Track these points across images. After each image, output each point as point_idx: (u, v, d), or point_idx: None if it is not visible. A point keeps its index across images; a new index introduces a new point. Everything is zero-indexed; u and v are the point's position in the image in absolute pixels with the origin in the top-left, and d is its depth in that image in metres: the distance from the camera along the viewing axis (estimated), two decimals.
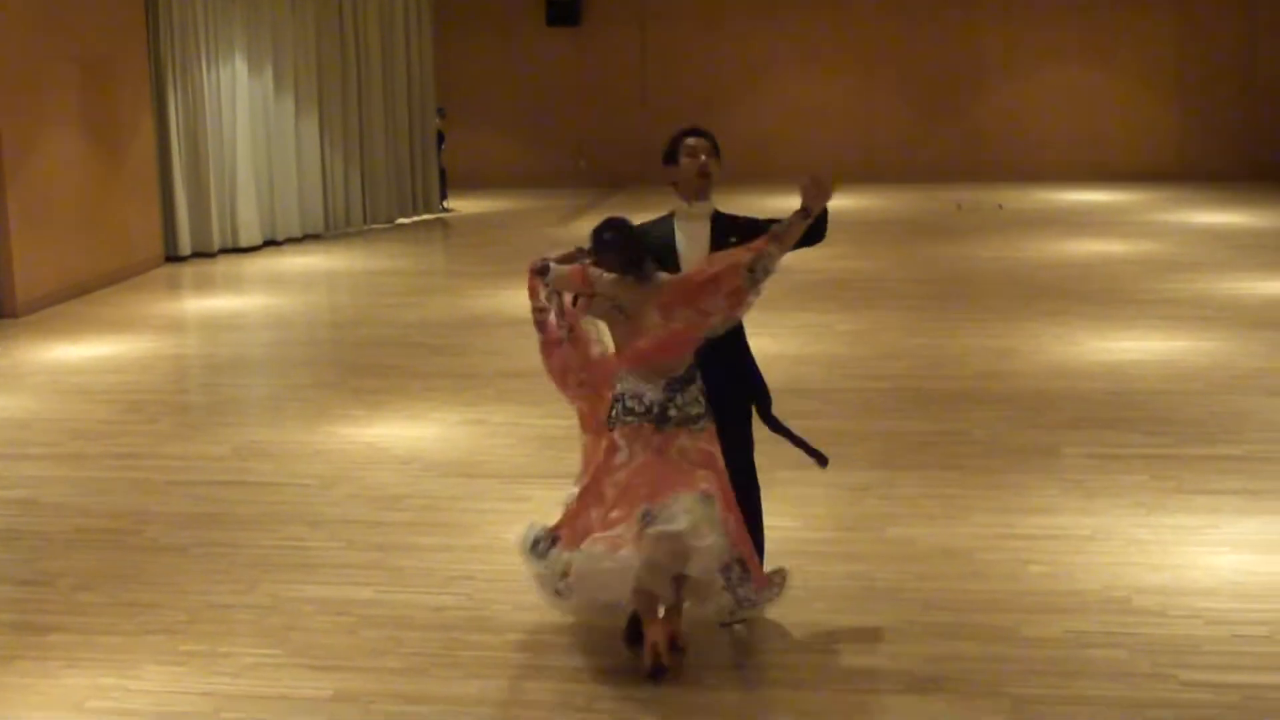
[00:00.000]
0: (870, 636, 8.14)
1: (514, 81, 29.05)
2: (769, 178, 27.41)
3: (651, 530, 7.42)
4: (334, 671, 8.02)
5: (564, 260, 8.06)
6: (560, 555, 7.78)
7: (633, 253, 7.80)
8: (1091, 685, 7.69)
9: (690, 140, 8.09)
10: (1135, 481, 10.80)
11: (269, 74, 22.45)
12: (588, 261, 7.93)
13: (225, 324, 18.09)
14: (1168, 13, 27.75)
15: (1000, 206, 24.88)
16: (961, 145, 28.43)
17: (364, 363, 15.35)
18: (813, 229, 7.95)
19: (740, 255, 7.68)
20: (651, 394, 7.70)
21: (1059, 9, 28.04)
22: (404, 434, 12.57)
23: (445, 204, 26.28)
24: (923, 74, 28.57)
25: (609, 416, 7.85)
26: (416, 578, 9.33)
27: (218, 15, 21.56)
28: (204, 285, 20.27)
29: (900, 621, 8.37)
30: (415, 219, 25.31)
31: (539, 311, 8.08)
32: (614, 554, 7.47)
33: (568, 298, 8.09)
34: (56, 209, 18.24)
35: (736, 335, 8.09)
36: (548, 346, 8.09)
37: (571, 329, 8.12)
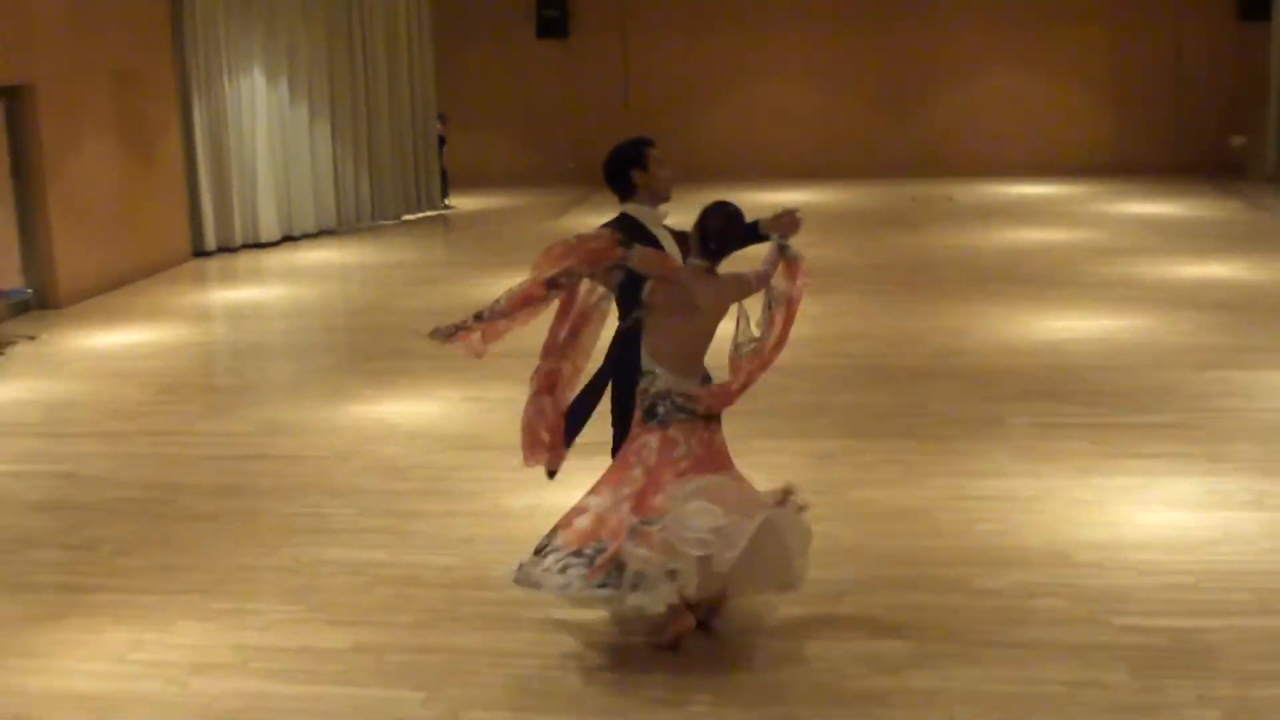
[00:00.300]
0: (836, 589, 8.18)
1: (508, 89, 29.04)
2: (741, 175, 27.47)
3: (789, 511, 7.46)
4: (351, 626, 8.07)
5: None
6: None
7: (739, 240, 7.74)
8: (1036, 631, 7.77)
9: (655, 151, 7.99)
10: (1075, 447, 10.87)
11: (285, 84, 22.43)
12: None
13: (248, 313, 18.11)
14: (1102, 22, 27.77)
15: (951, 199, 24.91)
16: (915, 143, 28.45)
17: (374, 347, 15.37)
18: (751, 238, 7.99)
19: (763, 269, 7.79)
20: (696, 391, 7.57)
21: (1002, 19, 28.06)
22: (411, 411, 12.60)
23: (446, 201, 26.26)
24: (879, 79, 28.58)
25: (654, 414, 7.49)
26: (424, 541, 9.39)
27: (238, 30, 21.54)
28: (228, 277, 20.28)
29: (863, 575, 8.43)
30: (419, 215, 25.30)
31: (572, 277, 7.48)
32: (744, 519, 7.18)
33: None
34: (93, 209, 18.22)
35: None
36: (527, 309, 7.54)
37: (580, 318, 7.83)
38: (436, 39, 26.07)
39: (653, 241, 7.74)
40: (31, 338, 15.76)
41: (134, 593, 8.65)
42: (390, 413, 12.54)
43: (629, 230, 7.71)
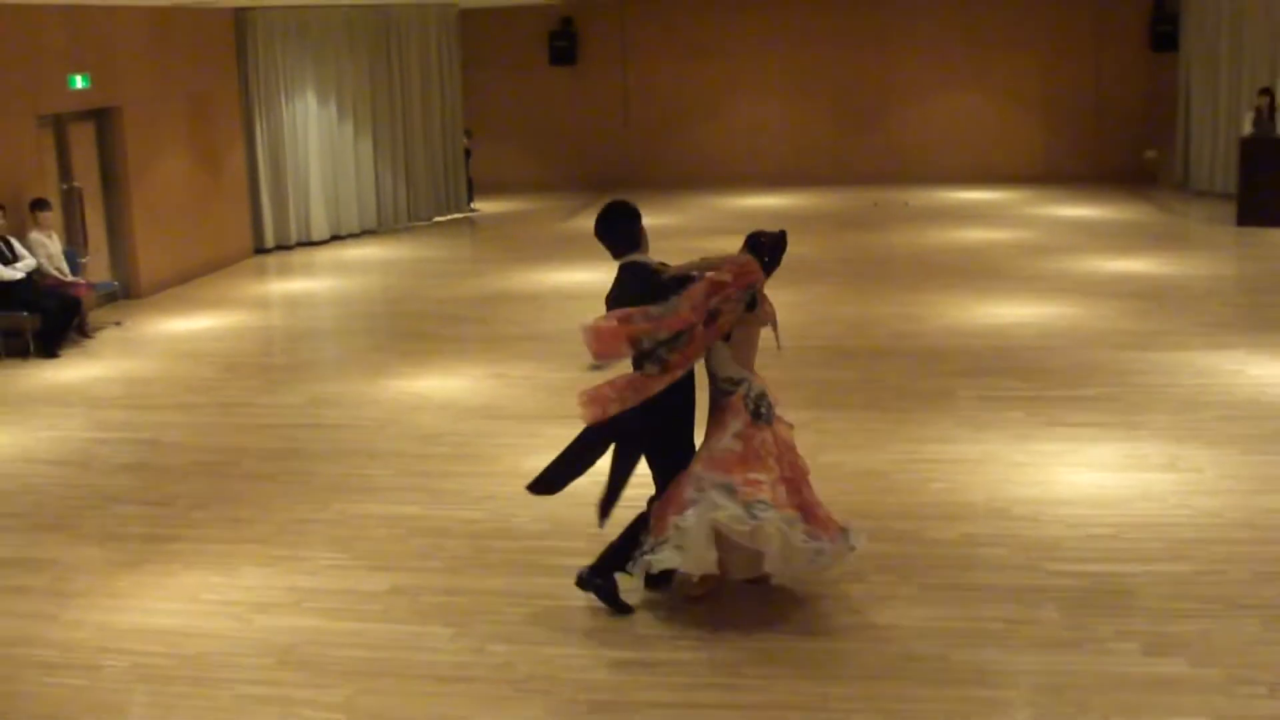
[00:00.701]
0: None
1: (525, 109, 28.94)
2: (724, 182, 27.43)
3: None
4: (389, 571, 8.08)
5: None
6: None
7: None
8: (979, 575, 7.78)
9: None
10: (1013, 417, 10.86)
11: (333, 105, 22.36)
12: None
13: (301, 301, 18.09)
14: (1034, 50, 27.64)
15: (907, 204, 24.83)
16: (876, 154, 28.34)
17: (410, 330, 15.34)
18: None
19: None
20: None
21: (950, 47, 27.93)
22: (442, 385, 12.58)
23: (472, 205, 26.16)
24: (846, 98, 28.45)
25: (760, 414, 7.30)
26: (453, 497, 9.38)
27: (293, 60, 21.45)
28: (284, 271, 20.22)
29: None
30: (449, 217, 25.20)
31: (729, 302, 7.15)
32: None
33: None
34: (170, 213, 18.17)
35: None
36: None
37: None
38: (463, 65, 26.01)
39: (661, 285, 7.28)
40: (117, 323, 15.72)
41: (204, 542, 8.66)
42: (423, 387, 12.52)
43: (644, 275, 7.37)
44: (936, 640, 6.96)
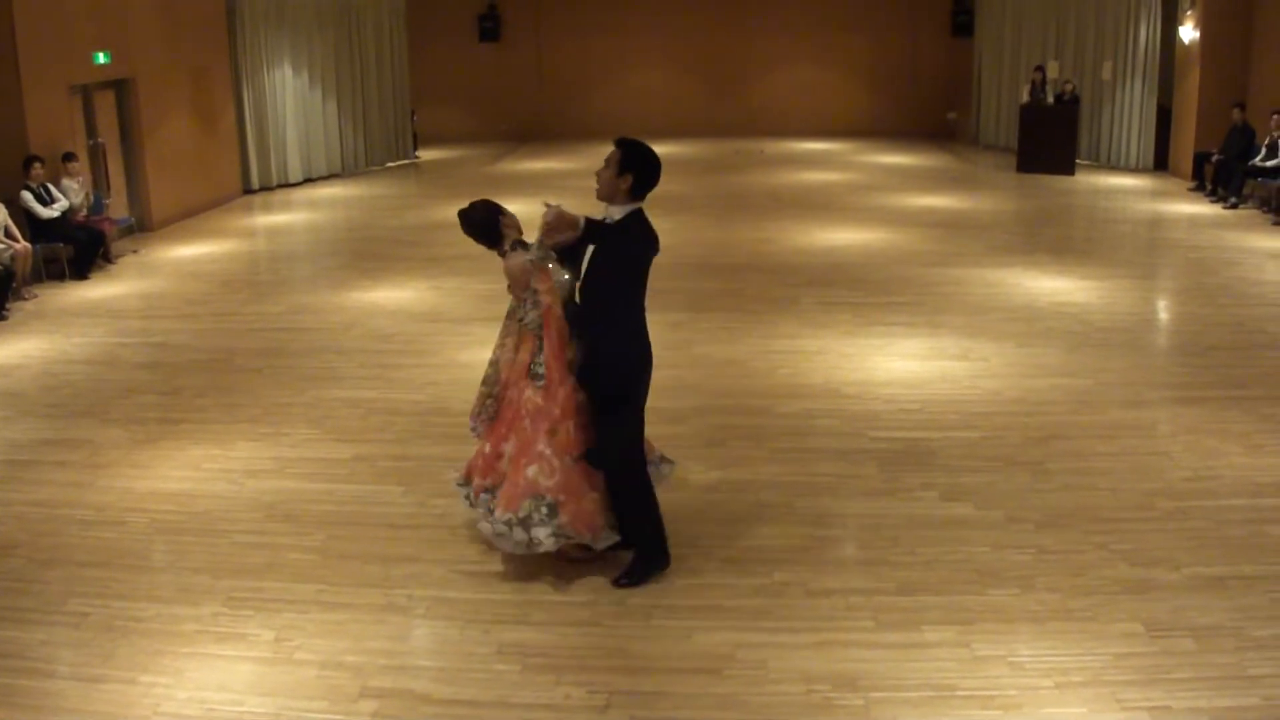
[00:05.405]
0: (678, 414, 8.20)
1: (459, 76, 28.51)
2: (618, 133, 27.19)
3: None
4: (353, 443, 8.00)
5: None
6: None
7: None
8: (816, 440, 7.85)
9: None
10: (843, 318, 10.94)
11: (305, 74, 21.86)
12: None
13: (281, 231, 17.73)
14: (864, 32, 27.62)
15: (762, 151, 24.81)
16: (738, 112, 28.25)
17: (367, 252, 15.10)
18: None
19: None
20: None
21: (798, 29, 27.80)
22: (393, 295, 12.42)
23: (416, 153, 25.78)
24: (715, 67, 28.28)
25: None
26: (402, 384, 9.30)
27: (274, 38, 20.91)
28: (267, 207, 19.81)
29: (700, 404, 8.46)
30: (398, 163, 24.83)
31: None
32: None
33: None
34: (176, 162, 17.71)
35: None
36: None
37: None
38: (410, 42, 25.54)
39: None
40: (135, 251, 15.33)
41: (206, 423, 8.53)
42: (379, 297, 12.35)
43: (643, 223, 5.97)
44: (783, 491, 7.02)
